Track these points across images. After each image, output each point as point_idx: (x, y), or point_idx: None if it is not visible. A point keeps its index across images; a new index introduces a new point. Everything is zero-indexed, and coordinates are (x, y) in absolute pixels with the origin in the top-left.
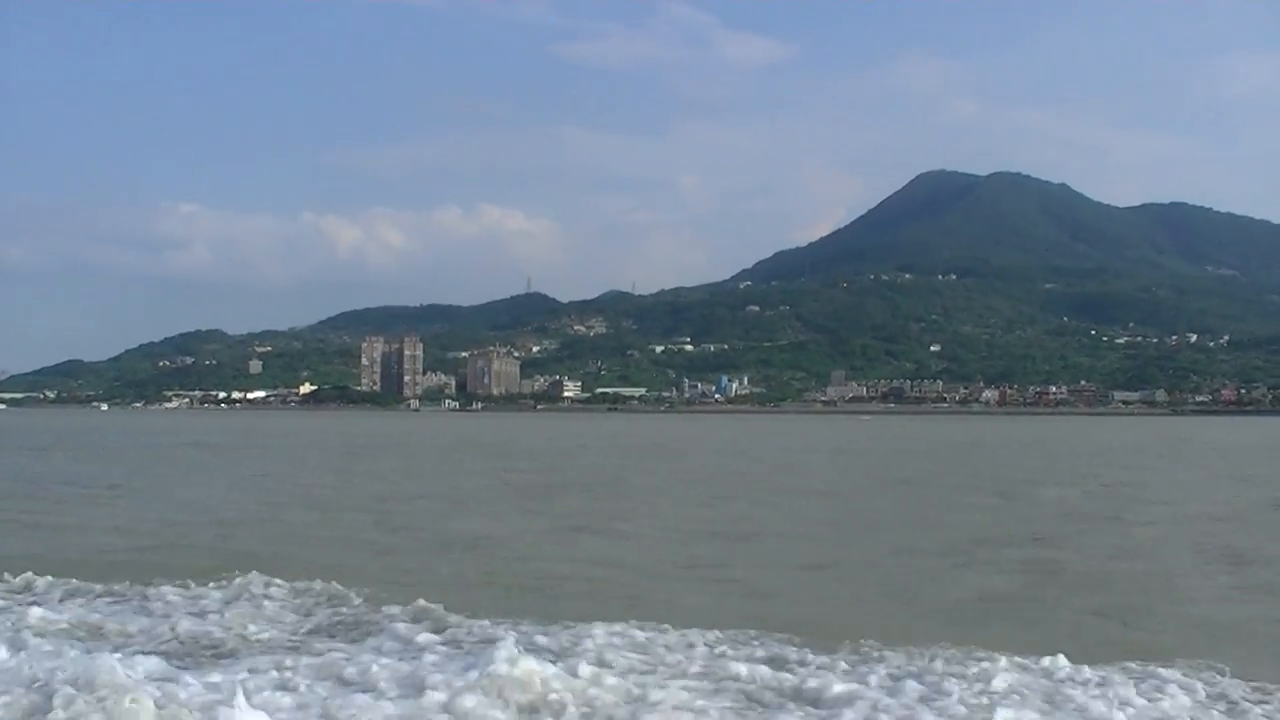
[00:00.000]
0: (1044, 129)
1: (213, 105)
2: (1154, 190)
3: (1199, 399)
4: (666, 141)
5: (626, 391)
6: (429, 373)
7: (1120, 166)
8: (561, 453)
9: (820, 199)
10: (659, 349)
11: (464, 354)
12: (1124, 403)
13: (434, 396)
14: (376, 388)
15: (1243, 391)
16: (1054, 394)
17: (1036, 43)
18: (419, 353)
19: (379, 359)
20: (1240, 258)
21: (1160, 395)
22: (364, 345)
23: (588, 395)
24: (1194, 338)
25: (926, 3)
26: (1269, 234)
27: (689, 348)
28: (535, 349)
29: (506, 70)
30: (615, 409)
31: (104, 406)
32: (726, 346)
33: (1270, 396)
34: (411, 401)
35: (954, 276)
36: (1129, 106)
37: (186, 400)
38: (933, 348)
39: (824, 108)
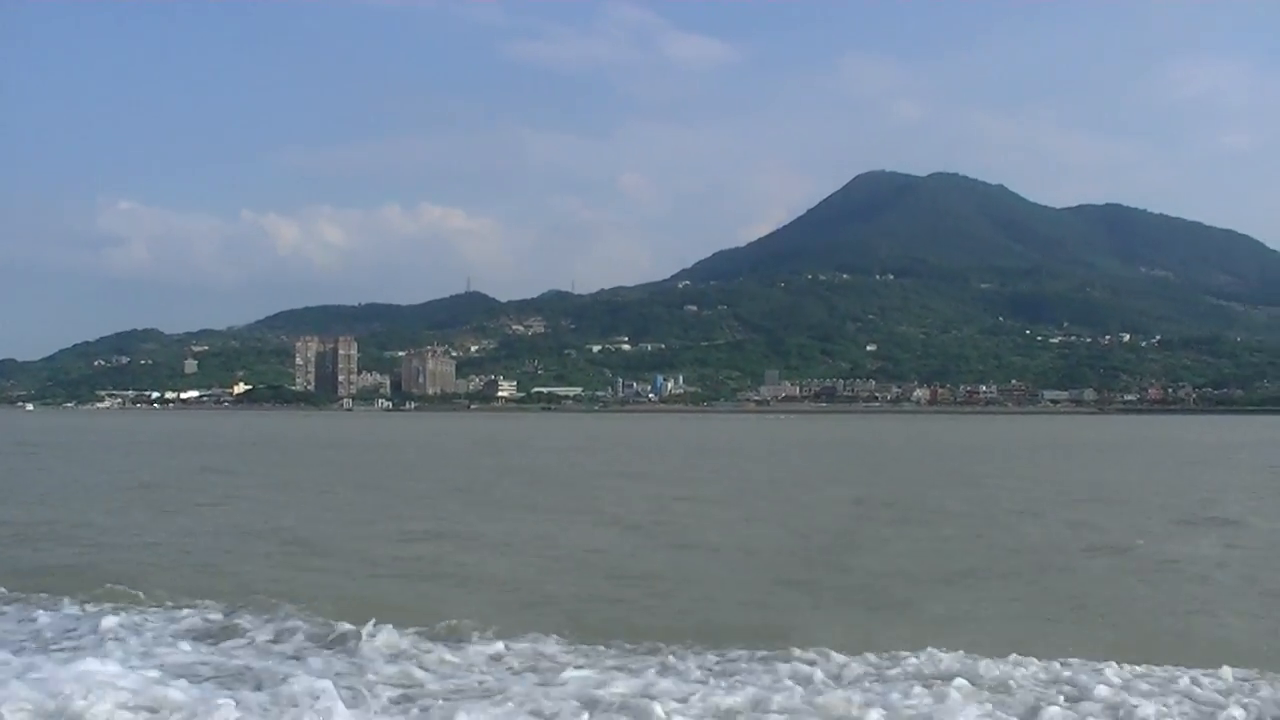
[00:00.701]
0: (984, 130)
1: (151, 103)
2: (1090, 191)
3: (1127, 398)
4: (612, 141)
5: (561, 391)
6: (365, 372)
7: (1057, 167)
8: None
9: (762, 199)
10: (596, 349)
11: (402, 353)
12: (1053, 402)
13: (368, 396)
14: (311, 387)
15: (1169, 391)
16: (984, 393)
17: (980, 45)
18: (354, 352)
19: (313, 358)
20: (1174, 259)
21: (1089, 394)
22: (298, 345)
23: (523, 395)
24: (1126, 337)
25: (872, 5)
26: (1203, 235)
27: (626, 347)
28: (474, 348)
29: (452, 69)
30: (549, 409)
31: (29, 407)
32: (664, 346)
33: (1195, 396)
34: (345, 401)
35: (891, 276)
36: (1068, 108)
37: (119, 400)
38: (869, 347)
39: (769, 109)
